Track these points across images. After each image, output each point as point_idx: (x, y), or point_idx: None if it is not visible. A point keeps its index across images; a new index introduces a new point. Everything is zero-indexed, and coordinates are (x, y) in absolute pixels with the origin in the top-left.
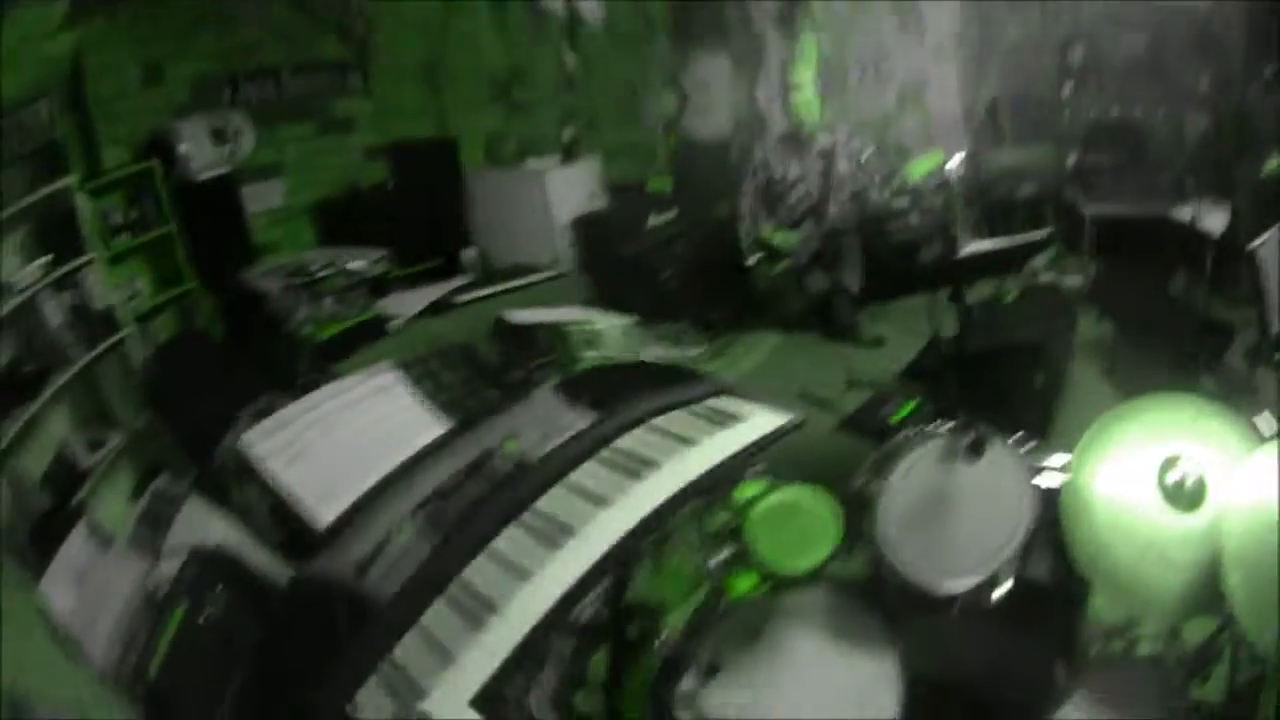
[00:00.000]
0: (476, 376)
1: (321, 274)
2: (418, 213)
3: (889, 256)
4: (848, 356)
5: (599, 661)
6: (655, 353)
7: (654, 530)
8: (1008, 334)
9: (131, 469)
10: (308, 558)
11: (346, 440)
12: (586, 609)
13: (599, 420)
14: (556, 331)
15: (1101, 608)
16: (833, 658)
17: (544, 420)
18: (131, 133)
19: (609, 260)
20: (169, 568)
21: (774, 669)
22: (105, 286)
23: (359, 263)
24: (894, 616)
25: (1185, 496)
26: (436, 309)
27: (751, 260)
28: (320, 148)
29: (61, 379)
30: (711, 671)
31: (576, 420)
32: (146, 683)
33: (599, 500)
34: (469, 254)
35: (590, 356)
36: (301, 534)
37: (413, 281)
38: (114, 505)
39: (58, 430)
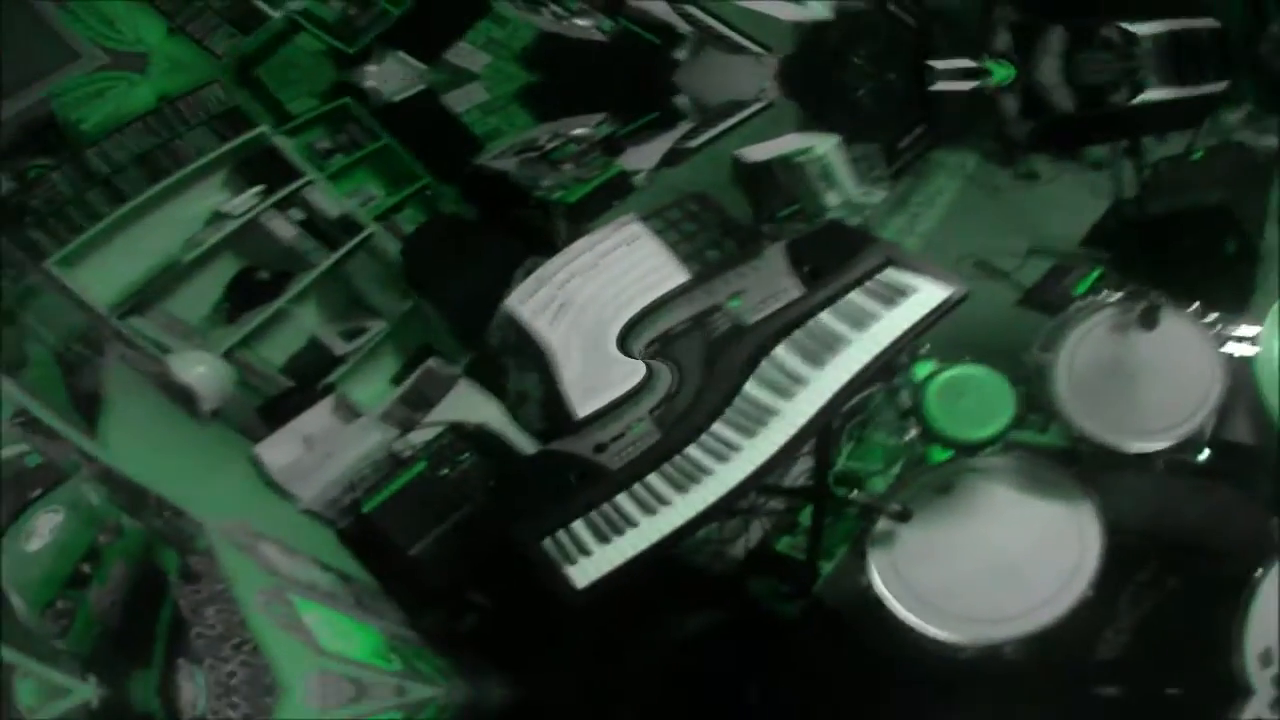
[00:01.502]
0: (718, 226)
1: (551, 145)
2: (625, 71)
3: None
4: (1024, 215)
5: (807, 514)
6: (851, 191)
7: (842, 407)
8: (1194, 195)
9: (396, 354)
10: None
11: (601, 290)
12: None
13: (805, 295)
14: (792, 168)
15: None
16: (1027, 506)
17: (768, 282)
18: (312, 88)
19: (812, 86)
20: (420, 436)
21: (965, 515)
22: (334, 198)
23: (582, 129)
24: (1089, 473)
25: None
26: (674, 157)
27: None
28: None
29: (306, 280)
30: (904, 516)
31: (792, 289)
32: (358, 514)
33: (796, 378)
34: (682, 99)
35: (827, 198)
36: (560, 422)
37: (641, 137)
38: (371, 387)
39: (308, 323)
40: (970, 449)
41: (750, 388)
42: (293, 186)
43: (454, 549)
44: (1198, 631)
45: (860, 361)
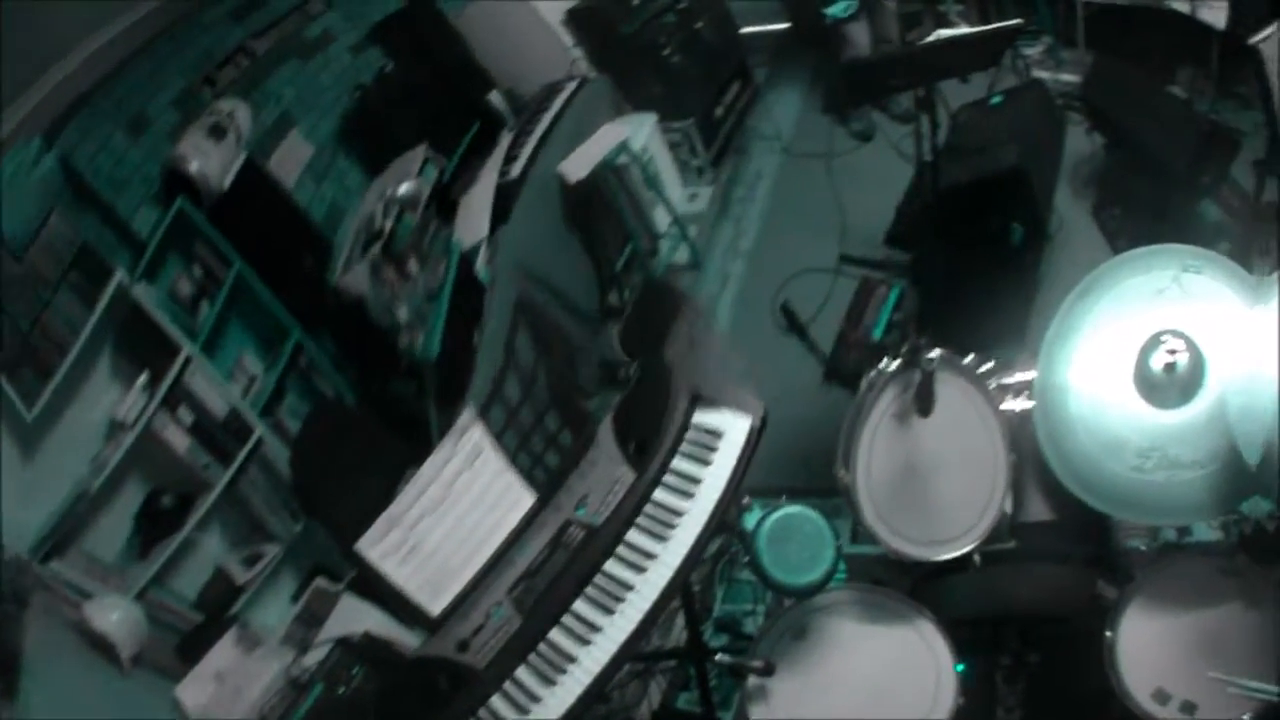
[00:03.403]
0: (550, 403)
1: (388, 222)
2: (430, 93)
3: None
4: (847, 193)
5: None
6: (678, 200)
7: (691, 571)
8: (990, 156)
9: (294, 573)
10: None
11: (452, 528)
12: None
13: (638, 478)
14: (617, 177)
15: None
16: (875, 635)
17: (605, 474)
18: (146, 191)
19: (614, 49)
20: (314, 657)
21: (823, 655)
22: (217, 384)
23: (408, 186)
24: (916, 587)
25: (1177, 384)
26: (503, 202)
27: None
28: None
29: (206, 505)
30: (768, 670)
31: (626, 475)
32: None
33: (647, 554)
34: (496, 99)
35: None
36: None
37: (466, 176)
38: (274, 610)
39: (213, 552)
40: (806, 593)
41: (609, 566)
42: (174, 371)
43: None
44: (1080, 688)
45: (699, 526)
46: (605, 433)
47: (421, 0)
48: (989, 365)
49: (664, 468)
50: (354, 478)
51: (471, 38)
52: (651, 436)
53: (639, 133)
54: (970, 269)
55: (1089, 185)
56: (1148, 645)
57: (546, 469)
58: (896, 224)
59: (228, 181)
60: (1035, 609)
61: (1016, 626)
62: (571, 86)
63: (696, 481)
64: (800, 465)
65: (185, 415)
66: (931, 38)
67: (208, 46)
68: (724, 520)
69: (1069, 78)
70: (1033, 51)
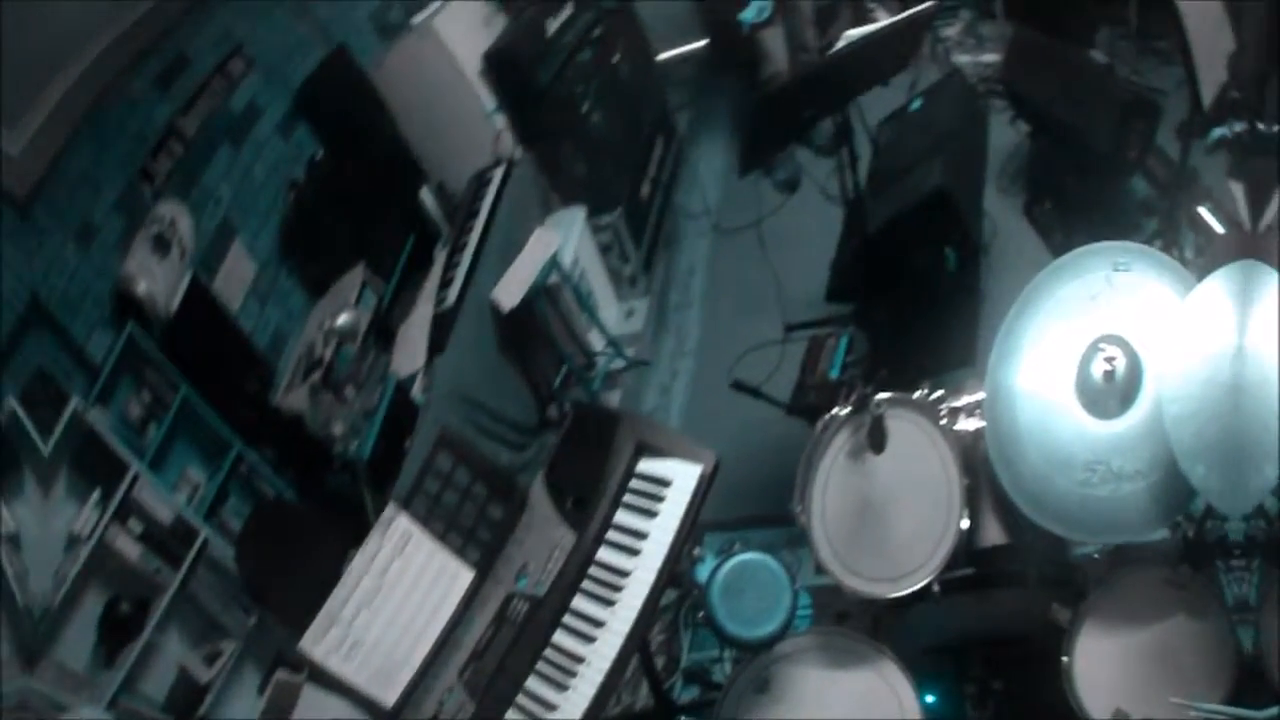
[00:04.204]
0: (475, 479)
1: (328, 351)
2: (363, 190)
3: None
4: (782, 260)
5: None
6: (613, 320)
7: (645, 634)
8: (913, 181)
9: (256, 667)
10: None
11: (391, 617)
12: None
13: (579, 539)
14: (550, 300)
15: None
16: (839, 680)
17: (542, 538)
18: (99, 314)
19: (529, 108)
20: None
21: (789, 707)
22: (162, 495)
23: (346, 316)
24: (880, 618)
25: (1116, 392)
26: (439, 332)
27: None
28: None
29: (161, 607)
30: None
31: (565, 536)
32: None
33: (596, 622)
34: (426, 199)
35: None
36: None
37: (404, 301)
38: (239, 707)
39: (175, 652)
40: (765, 645)
41: (558, 638)
42: (124, 488)
43: None
44: (1046, 712)
45: (647, 586)
46: (538, 492)
47: (339, 56)
48: (939, 393)
49: (606, 524)
50: (298, 566)
51: (393, 100)
52: (590, 490)
53: (569, 238)
54: (911, 305)
55: (1016, 181)
56: (1104, 666)
57: (480, 542)
58: (834, 279)
59: (175, 303)
60: (996, 633)
61: (980, 652)
62: (499, 175)
63: (642, 537)
64: (763, 494)
65: (135, 525)
66: (842, 42)
67: (138, 129)
68: (675, 575)
69: (989, 58)
70: (952, 32)
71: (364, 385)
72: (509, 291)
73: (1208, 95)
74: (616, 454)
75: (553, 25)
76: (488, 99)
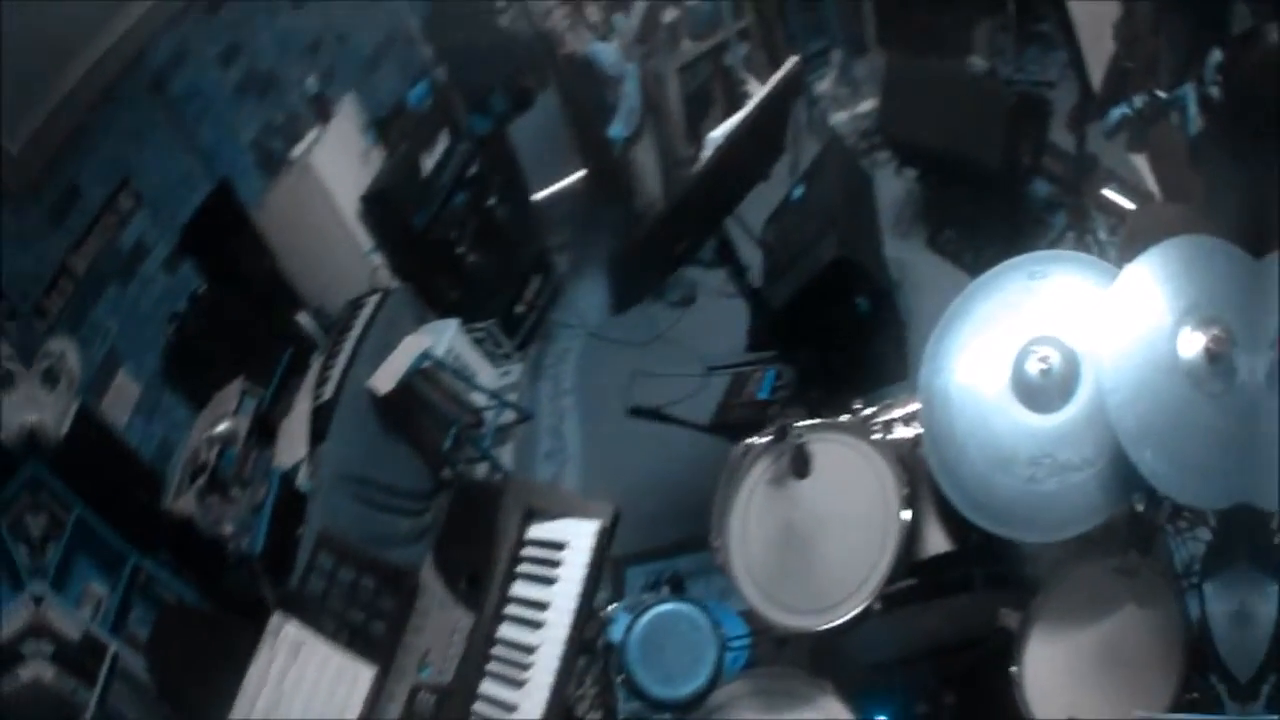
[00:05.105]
0: (360, 571)
1: (213, 457)
2: (243, 317)
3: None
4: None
5: None
6: (491, 379)
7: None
8: (808, 261)
9: None
10: None
11: None
12: None
13: (477, 618)
14: (429, 381)
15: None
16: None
17: (440, 624)
18: None
19: (405, 250)
20: None
21: None
22: (68, 614)
23: (226, 424)
24: (821, 641)
25: (1055, 386)
26: (319, 424)
27: None
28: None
29: None
30: None
31: (462, 617)
32: None
33: (508, 706)
34: (305, 320)
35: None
36: None
37: (284, 402)
38: None
39: None
40: (694, 702)
41: None
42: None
43: None
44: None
45: (555, 660)
46: (430, 575)
47: (222, 193)
48: (870, 410)
49: (503, 599)
50: (211, 669)
51: (273, 237)
52: (482, 566)
53: (441, 339)
54: (833, 346)
55: (915, 223)
56: (1055, 673)
57: (375, 637)
58: (752, 336)
59: (64, 428)
60: (945, 642)
61: (930, 663)
62: (374, 301)
63: (543, 607)
64: (689, 515)
65: (45, 647)
66: (709, 149)
67: (32, 269)
68: (586, 642)
69: (866, 106)
70: (825, 86)
71: (250, 483)
72: (384, 379)
73: (1096, 77)
74: (504, 524)
75: (428, 162)
76: (365, 239)
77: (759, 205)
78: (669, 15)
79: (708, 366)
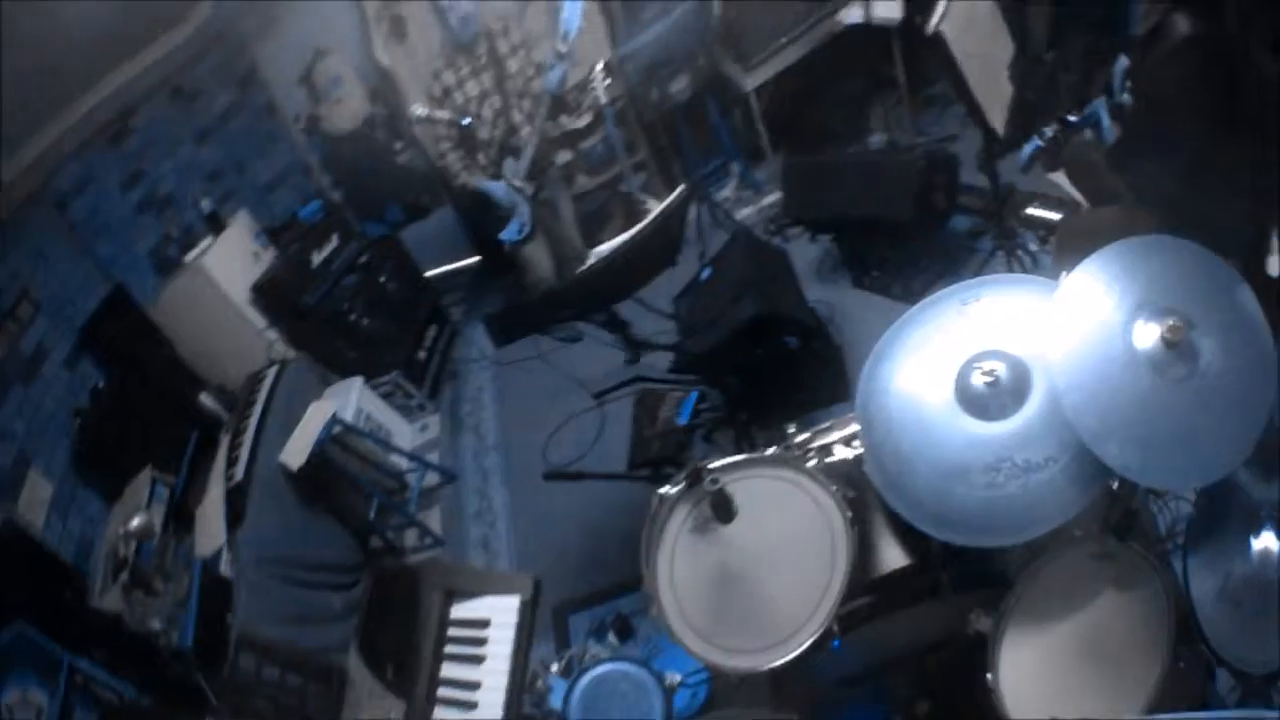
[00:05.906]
0: (289, 683)
1: (130, 552)
2: (144, 404)
3: None
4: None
5: None
6: (409, 436)
7: None
8: (726, 320)
9: None
10: None
11: None
12: None
13: (407, 706)
14: (345, 450)
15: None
16: None
17: (370, 712)
18: None
19: (297, 324)
20: None
21: None
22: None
23: (139, 520)
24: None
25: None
26: (234, 507)
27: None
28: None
29: None
30: None
31: (392, 705)
32: None
33: None
34: (207, 400)
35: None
36: None
37: (197, 487)
38: None
39: None
40: None
41: None
42: None
43: None
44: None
45: None
46: (356, 665)
47: (118, 294)
48: (804, 435)
49: (434, 683)
50: None
51: (170, 329)
52: (408, 653)
53: (348, 400)
54: (762, 377)
55: (837, 270)
56: (1032, 675)
57: None
58: (676, 361)
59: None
60: (917, 648)
61: (903, 671)
62: (272, 373)
63: (474, 687)
64: (626, 556)
65: None
66: (593, 259)
67: None
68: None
69: (771, 199)
70: (727, 191)
71: (171, 575)
72: (294, 454)
73: (998, 120)
74: (426, 608)
75: (318, 257)
76: (259, 319)
77: (667, 287)
78: (562, 158)
79: (594, 394)
